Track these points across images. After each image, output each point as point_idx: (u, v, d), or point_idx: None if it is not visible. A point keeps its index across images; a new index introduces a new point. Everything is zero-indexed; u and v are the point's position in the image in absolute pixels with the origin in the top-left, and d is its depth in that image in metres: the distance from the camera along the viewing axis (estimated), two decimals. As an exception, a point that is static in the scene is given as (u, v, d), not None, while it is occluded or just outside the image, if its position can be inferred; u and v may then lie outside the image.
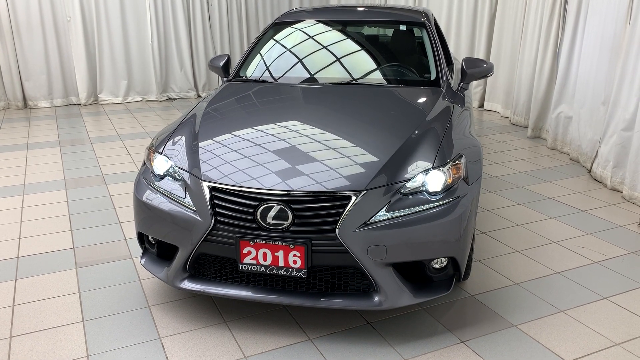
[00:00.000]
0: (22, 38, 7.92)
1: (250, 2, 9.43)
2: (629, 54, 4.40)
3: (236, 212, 2.47)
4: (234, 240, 2.46)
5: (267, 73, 3.93)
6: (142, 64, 8.69)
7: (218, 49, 9.21)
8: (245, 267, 2.49)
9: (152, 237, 2.81)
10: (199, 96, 9.07)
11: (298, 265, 2.43)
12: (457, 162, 2.69)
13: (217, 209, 2.50)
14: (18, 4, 7.78)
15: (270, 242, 2.42)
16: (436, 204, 2.52)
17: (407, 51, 4.22)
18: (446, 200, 2.54)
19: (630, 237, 3.72)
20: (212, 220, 2.48)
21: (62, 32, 8.17)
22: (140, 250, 2.95)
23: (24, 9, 7.84)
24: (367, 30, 4.99)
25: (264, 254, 2.44)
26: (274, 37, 4.21)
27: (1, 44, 7.81)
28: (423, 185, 2.56)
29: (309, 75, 3.82)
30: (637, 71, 4.32)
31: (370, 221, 2.42)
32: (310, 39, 4.12)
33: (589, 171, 5.01)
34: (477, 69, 3.76)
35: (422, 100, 3.38)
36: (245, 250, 2.45)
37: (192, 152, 2.78)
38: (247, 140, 2.83)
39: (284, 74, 3.87)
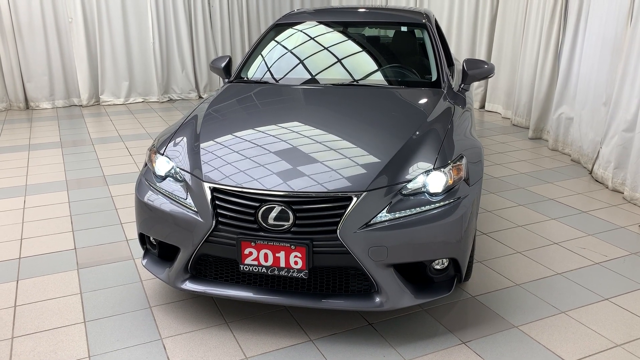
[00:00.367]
0: (24, 39, 7.94)
1: (251, 3, 9.44)
2: (630, 55, 4.40)
3: (237, 213, 2.47)
4: (235, 241, 2.46)
5: (268, 74, 3.94)
6: (144, 65, 8.70)
7: (219, 50, 9.22)
8: (246, 268, 2.49)
9: (153, 238, 2.81)
10: (200, 97, 9.08)
11: (299, 266, 2.43)
12: (458, 163, 2.69)
13: (218, 210, 2.50)
14: (20, 5, 7.80)
15: (272, 243, 2.42)
16: (437, 205, 2.52)
17: (408, 52, 4.22)
18: (447, 201, 2.54)
19: (632, 238, 3.72)
20: (214, 221, 2.48)
21: (63, 33, 8.19)
22: (142, 251, 2.95)
23: (25, 10, 7.85)
24: (368, 32, 5.00)
25: (265, 255, 2.45)
26: (275, 39, 4.22)
27: (3, 45, 7.83)
28: (424, 186, 2.56)
29: (310, 77, 3.83)
30: (638, 72, 4.32)
31: (372, 222, 2.42)
32: (311, 40, 4.13)
33: (590, 172, 5.01)
34: (478, 70, 3.76)
35: (423, 101, 3.38)
36: (246, 251, 2.46)
37: (194, 153, 2.78)
38: (248, 141, 2.83)
39: (285, 75, 3.88)
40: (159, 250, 2.83)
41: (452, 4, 7.91)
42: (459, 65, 4.54)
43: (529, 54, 6.36)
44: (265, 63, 4.04)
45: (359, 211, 2.41)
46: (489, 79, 7.42)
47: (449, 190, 2.59)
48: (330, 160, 2.62)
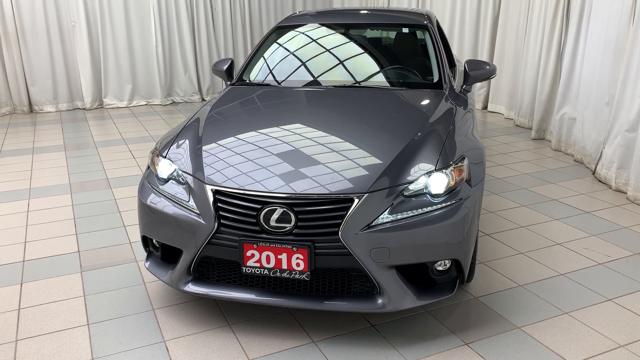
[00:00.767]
0: (28, 43, 7.99)
1: (254, 6, 9.47)
2: (633, 55, 4.39)
3: (239, 215, 2.48)
4: (237, 243, 2.47)
5: (270, 76, 3.95)
6: (147, 68, 8.74)
7: (222, 53, 9.25)
8: (248, 269, 2.49)
9: (156, 241, 2.82)
10: (203, 100, 9.11)
11: (301, 267, 2.44)
12: (459, 164, 2.69)
13: (220, 212, 2.51)
14: (23, 9, 7.85)
15: (274, 245, 2.43)
16: (439, 206, 2.52)
17: (410, 54, 4.22)
18: (449, 203, 2.54)
19: (635, 238, 3.71)
20: (216, 224, 2.49)
21: (67, 37, 8.23)
22: (145, 254, 2.96)
23: (29, 15, 7.90)
24: (370, 33, 5.01)
25: (267, 257, 2.45)
26: (277, 41, 4.23)
27: (7, 49, 7.87)
28: (426, 187, 2.56)
29: (311, 79, 3.83)
30: (641, 72, 4.31)
31: (373, 224, 2.43)
32: (313, 42, 4.13)
33: (593, 172, 5.00)
34: (479, 71, 3.76)
35: (424, 102, 3.38)
36: (248, 253, 2.46)
37: (196, 156, 2.79)
38: (250, 143, 2.84)
39: (287, 77, 3.89)
40: (161, 253, 2.84)
41: (455, 5, 7.91)
42: (460, 67, 4.54)
43: (532, 54, 6.36)
44: (267, 65, 4.05)
45: (360, 213, 2.42)
46: (492, 80, 7.43)
47: (450, 192, 2.59)
48: (332, 162, 2.62)
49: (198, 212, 2.55)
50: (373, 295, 2.53)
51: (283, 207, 2.43)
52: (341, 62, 3.94)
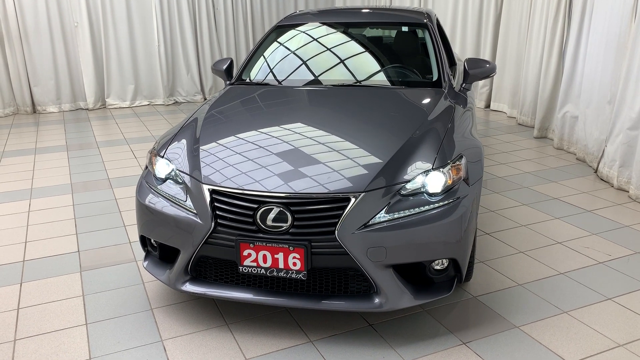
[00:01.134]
0: (30, 44, 8.01)
1: (255, 5, 9.47)
2: (634, 53, 4.36)
3: (236, 214, 2.48)
4: (234, 242, 2.47)
5: (269, 76, 3.94)
6: (149, 68, 8.75)
7: (224, 53, 9.26)
8: (245, 269, 2.49)
9: (154, 240, 2.83)
10: (205, 99, 9.11)
11: (298, 267, 2.43)
12: (457, 163, 2.68)
13: (217, 212, 2.51)
14: (26, 10, 7.87)
15: (270, 245, 2.43)
16: (436, 205, 2.51)
17: (410, 52, 4.21)
18: (446, 202, 2.53)
19: (636, 237, 3.68)
20: (213, 223, 2.49)
21: (69, 37, 8.26)
22: (143, 253, 2.97)
23: (32, 15, 7.93)
24: (370, 32, 4.99)
25: (264, 256, 2.45)
26: (277, 40, 4.22)
27: (10, 50, 7.90)
28: (423, 186, 2.55)
29: (311, 78, 3.83)
30: (643, 70, 4.28)
31: (370, 223, 2.42)
32: (313, 41, 4.13)
33: (595, 171, 4.97)
34: (479, 70, 3.74)
35: (423, 101, 3.37)
36: (245, 253, 2.46)
37: (193, 156, 2.79)
38: (247, 143, 2.84)
39: (286, 77, 3.88)
40: (159, 253, 2.85)
41: (457, 4, 7.89)
42: (461, 65, 4.53)
43: (534, 53, 6.33)
44: (267, 65, 4.05)
45: (357, 212, 2.41)
46: (494, 79, 7.41)
47: (448, 190, 2.58)
48: (329, 161, 2.62)
49: (195, 211, 2.55)
50: (370, 295, 2.52)
51: (279, 207, 2.42)
52: (341, 61, 3.93)
